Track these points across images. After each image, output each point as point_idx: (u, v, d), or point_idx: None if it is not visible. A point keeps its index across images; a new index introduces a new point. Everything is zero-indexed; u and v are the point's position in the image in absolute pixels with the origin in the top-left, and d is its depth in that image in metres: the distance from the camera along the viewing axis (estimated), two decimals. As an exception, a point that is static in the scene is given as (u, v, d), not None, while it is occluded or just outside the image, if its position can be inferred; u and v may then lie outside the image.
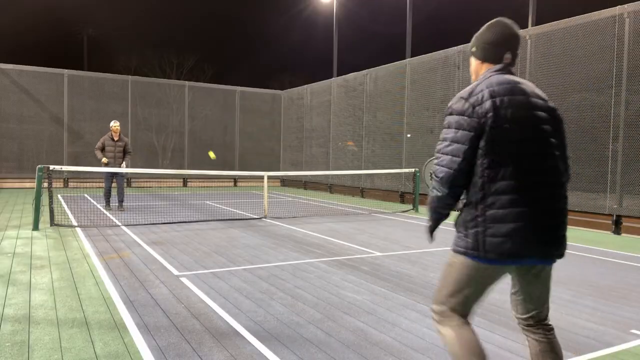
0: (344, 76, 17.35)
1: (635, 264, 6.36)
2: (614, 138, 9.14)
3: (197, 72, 36.72)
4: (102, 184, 10.97)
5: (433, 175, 2.21)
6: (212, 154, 7.45)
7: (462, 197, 2.21)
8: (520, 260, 2.14)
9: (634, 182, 8.85)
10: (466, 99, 2.12)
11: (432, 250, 6.79)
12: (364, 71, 16.15)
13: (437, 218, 2.29)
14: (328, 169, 17.47)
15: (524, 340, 2.38)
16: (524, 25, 11.78)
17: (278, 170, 20.79)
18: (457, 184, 2.14)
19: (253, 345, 3.30)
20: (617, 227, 9.09)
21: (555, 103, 9.87)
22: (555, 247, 2.16)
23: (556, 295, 4.73)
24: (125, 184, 11.44)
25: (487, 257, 2.13)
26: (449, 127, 2.16)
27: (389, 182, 14.88)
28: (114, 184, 10.90)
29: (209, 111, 19.80)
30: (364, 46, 48.36)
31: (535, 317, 2.34)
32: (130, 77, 18.97)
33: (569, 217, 10.46)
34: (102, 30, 43.06)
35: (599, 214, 9.38)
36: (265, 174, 10.77)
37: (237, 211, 11.16)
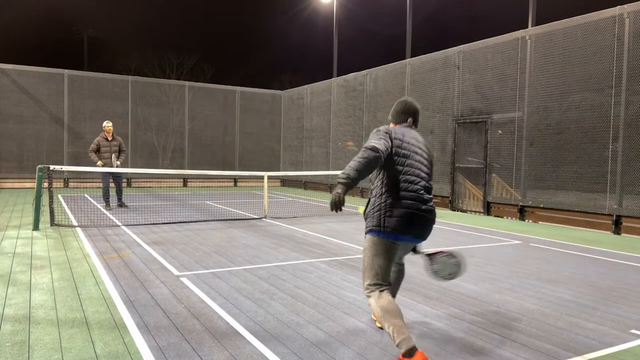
0: (344, 76, 17.36)
1: (635, 264, 6.36)
2: (614, 138, 9.14)
3: (197, 72, 36.75)
4: (102, 184, 10.98)
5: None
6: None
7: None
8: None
9: (634, 182, 8.85)
10: (385, 128, 3.31)
11: (431, 250, 6.77)
12: (364, 71, 16.15)
13: (350, 183, 3.05)
14: (328, 169, 17.47)
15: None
16: (524, 25, 11.79)
17: (278, 170, 20.80)
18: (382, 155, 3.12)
19: (253, 345, 3.30)
20: (617, 227, 9.09)
21: (555, 103, 9.79)
22: (424, 230, 3.29)
23: (556, 295, 4.74)
24: (124, 184, 11.45)
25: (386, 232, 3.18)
26: (377, 131, 3.28)
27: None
28: (111, 184, 10.97)
29: (209, 111, 19.80)
30: (364, 46, 48.40)
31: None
32: (130, 77, 18.97)
33: (567, 216, 10.38)
34: (102, 30, 43.09)
35: (599, 214, 9.39)
36: (265, 174, 10.78)
37: (237, 211, 11.16)
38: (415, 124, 3.48)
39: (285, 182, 21.06)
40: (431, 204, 3.25)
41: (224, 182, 20.21)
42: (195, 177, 19.15)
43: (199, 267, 5.54)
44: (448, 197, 12.66)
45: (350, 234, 8.23)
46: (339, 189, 2.95)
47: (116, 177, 11.00)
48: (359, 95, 16.34)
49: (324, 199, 14.93)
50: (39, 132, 16.77)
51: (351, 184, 2.94)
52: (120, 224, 8.71)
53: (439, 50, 13.22)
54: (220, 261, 5.86)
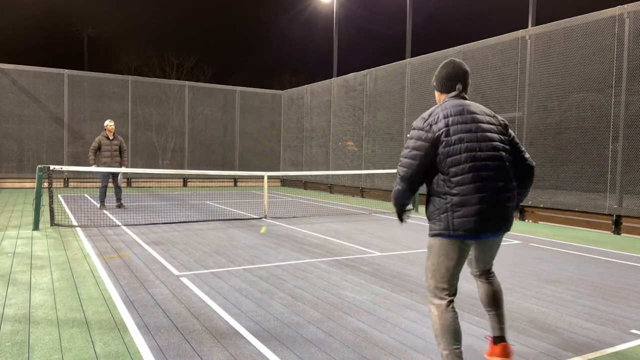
0: (344, 76, 17.36)
1: (635, 264, 6.36)
2: (614, 138, 9.14)
3: (197, 72, 36.75)
4: (101, 183, 10.92)
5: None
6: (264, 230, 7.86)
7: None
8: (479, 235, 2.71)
9: (634, 182, 8.85)
10: (425, 119, 2.81)
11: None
12: (364, 71, 16.15)
13: (399, 207, 2.91)
14: (328, 169, 17.47)
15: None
16: (524, 25, 11.79)
17: (278, 170, 20.80)
18: (414, 181, 2.74)
19: (253, 345, 3.30)
20: (617, 227, 9.09)
21: (555, 103, 9.78)
22: (503, 225, 2.74)
23: (556, 295, 4.74)
24: (124, 184, 11.45)
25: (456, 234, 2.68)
26: (410, 138, 2.78)
27: (389, 182, 14.88)
28: (110, 184, 10.94)
29: (209, 111, 19.80)
30: (364, 46, 48.41)
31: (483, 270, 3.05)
32: (130, 77, 18.96)
33: (567, 216, 10.39)
34: (102, 30, 43.07)
35: (599, 214, 9.38)
36: (265, 174, 10.78)
37: (237, 211, 11.16)
38: (465, 89, 2.92)
39: (285, 182, 21.06)
40: (509, 189, 2.71)
41: (224, 182, 20.21)
42: (195, 177, 19.15)
43: (199, 267, 5.54)
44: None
45: (350, 234, 8.23)
46: (396, 210, 2.96)
47: (115, 178, 10.97)
48: (358, 95, 16.34)
49: (324, 199, 14.94)
50: (39, 132, 16.77)
51: (400, 211, 2.94)
52: (120, 224, 8.71)
53: (439, 50, 13.22)
54: (220, 261, 5.87)
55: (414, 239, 7.78)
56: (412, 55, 15.50)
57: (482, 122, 2.75)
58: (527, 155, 2.90)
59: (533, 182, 2.98)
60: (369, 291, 4.71)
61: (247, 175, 19.35)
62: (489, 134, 2.72)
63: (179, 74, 36.16)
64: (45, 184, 8.43)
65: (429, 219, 2.78)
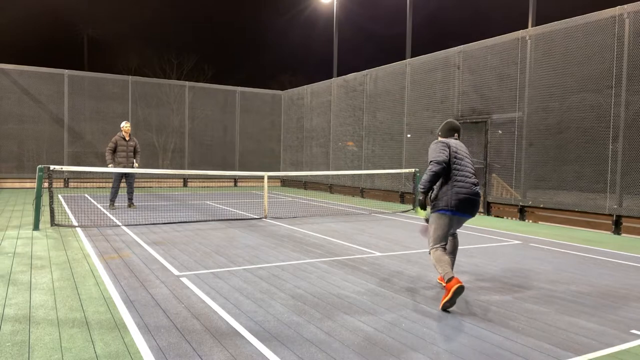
0: (344, 76, 17.36)
1: (635, 264, 6.36)
2: (614, 138, 9.14)
3: (197, 72, 36.74)
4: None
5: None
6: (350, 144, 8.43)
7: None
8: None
9: (634, 182, 8.85)
10: (443, 142, 4.73)
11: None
12: (364, 71, 16.15)
13: (427, 190, 4.61)
14: (328, 169, 17.48)
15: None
16: (524, 25, 11.79)
17: (278, 170, 20.80)
18: (442, 161, 4.56)
19: (253, 345, 3.31)
20: (617, 227, 9.09)
21: (555, 103, 9.81)
22: (474, 210, 4.66)
23: (556, 295, 4.74)
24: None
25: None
26: (436, 146, 4.70)
27: (389, 182, 14.89)
28: (122, 184, 11.20)
29: (209, 111, 19.80)
30: (364, 46, 48.41)
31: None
32: (130, 77, 18.96)
33: (567, 216, 10.36)
34: (102, 30, 43.04)
35: (599, 214, 9.39)
36: (266, 174, 10.78)
37: (237, 211, 11.17)
38: (459, 137, 4.88)
39: (285, 182, 21.06)
40: (477, 188, 4.58)
41: (224, 182, 20.21)
42: (195, 177, 19.16)
43: (199, 267, 5.54)
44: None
45: (350, 234, 8.23)
46: (420, 196, 4.66)
47: (129, 178, 11.19)
48: (358, 95, 16.34)
49: (324, 199, 14.94)
50: (39, 132, 16.77)
51: (427, 192, 4.60)
52: (120, 224, 8.71)
53: (439, 50, 13.22)
54: (220, 261, 5.87)
55: (414, 239, 7.78)
56: (412, 55, 15.50)
57: (466, 152, 4.82)
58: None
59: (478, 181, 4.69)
60: (369, 291, 4.71)
61: (247, 176, 19.35)
62: (468, 157, 4.78)
63: (179, 74, 36.16)
64: (46, 184, 8.43)
65: (435, 200, 4.61)
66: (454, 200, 4.45)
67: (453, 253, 4.93)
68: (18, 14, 37.14)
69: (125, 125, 11.19)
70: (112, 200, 11.02)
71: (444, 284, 4.38)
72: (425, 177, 4.53)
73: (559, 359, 3.23)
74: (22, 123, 16.52)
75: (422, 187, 4.54)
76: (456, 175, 4.54)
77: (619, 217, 9.08)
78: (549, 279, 5.37)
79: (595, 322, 3.98)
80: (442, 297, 4.27)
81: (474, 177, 4.63)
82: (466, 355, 3.24)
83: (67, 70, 17.28)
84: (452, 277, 4.20)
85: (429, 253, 4.58)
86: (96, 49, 41.38)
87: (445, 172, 4.55)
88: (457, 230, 4.97)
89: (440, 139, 4.85)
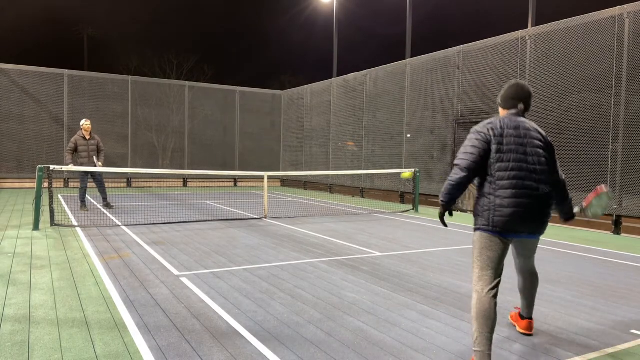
0: (344, 76, 17.36)
1: (635, 264, 6.36)
2: (614, 138, 9.14)
3: (197, 72, 36.77)
4: (80, 184, 10.73)
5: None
6: (406, 175, 8.05)
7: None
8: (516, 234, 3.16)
9: (634, 182, 8.85)
10: (486, 125, 3.17)
11: (432, 251, 6.79)
12: (364, 71, 16.15)
13: (449, 201, 3.15)
14: (328, 169, 17.47)
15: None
16: (524, 25, 11.79)
17: (278, 170, 20.79)
18: (471, 168, 3.07)
19: (253, 345, 3.30)
20: (617, 227, 9.09)
21: (555, 103, 9.78)
22: (537, 227, 3.15)
23: (556, 295, 4.74)
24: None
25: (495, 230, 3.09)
26: (470, 137, 3.17)
27: (389, 182, 14.88)
28: (91, 184, 10.74)
29: (209, 111, 19.80)
30: (364, 46, 48.44)
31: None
32: (130, 77, 18.95)
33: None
34: (102, 30, 43.10)
35: (599, 214, 9.37)
36: (265, 174, 10.77)
37: (237, 211, 11.16)
38: (527, 109, 3.31)
39: (285, 182, 21.06)
40: (540, 193, 3.09)
41: (224, 182, 20.21)
42: (195, 177, 19.15)
43: (199, 267, 5.54)
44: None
45: (350, 234, 8.23)
46: (441, 209, 3.23)
47: (97, 177, 10.64)
48: (358, 95, 16.34)
49: (324, 199, 14.94)
50: (39, 132, 16.77)
51: (447, 206, 3.18)
52: (120, 224, 8.71)
53: (439, 50, 13.22)
54: (220, 261, 5.87)
55: (414, 239, 7.78)
56: (412, 55, 15.51)
57: (534, 139, 3.18)
58: (560, 172, 3.41)
59: (568, 192, 3.44)
60: (369, 291, 4.71)
61: (247, 176, 19.34)
62: (538, 150, 3.16)
63: (179, 74, 36.19)
64: (45, 184, 8.43)
65: (475, 215, 3.18)
66: (497, 217, 3.02)
67: (523, 292, 3.61)
68: (18, 14, 37.13)
69: (85, 123, 10.53)
70: (82, 201, 10.51)
71: (513, 323, 3.74)
72: (445, 185, 3.13)
73: (559, 359, 3.23)
74: (22, 123, 16.52)
75: (442, 199, 3.16)
76: (502, 179, 3.04)
77: (618, 217, 9.08)
78: (549, 279, 5.37)
79: (595, 322, 3.98)
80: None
81: (535, 175, 3.09)
82: (466, 356, 3.24)
83: (67, 70, 17.28)
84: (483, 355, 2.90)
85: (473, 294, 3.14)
86: (96, 49, 41.41)
87: (483, 171, 3.12)
88: (529, 255, 3.49)
89: (499, 111, 3.46)
